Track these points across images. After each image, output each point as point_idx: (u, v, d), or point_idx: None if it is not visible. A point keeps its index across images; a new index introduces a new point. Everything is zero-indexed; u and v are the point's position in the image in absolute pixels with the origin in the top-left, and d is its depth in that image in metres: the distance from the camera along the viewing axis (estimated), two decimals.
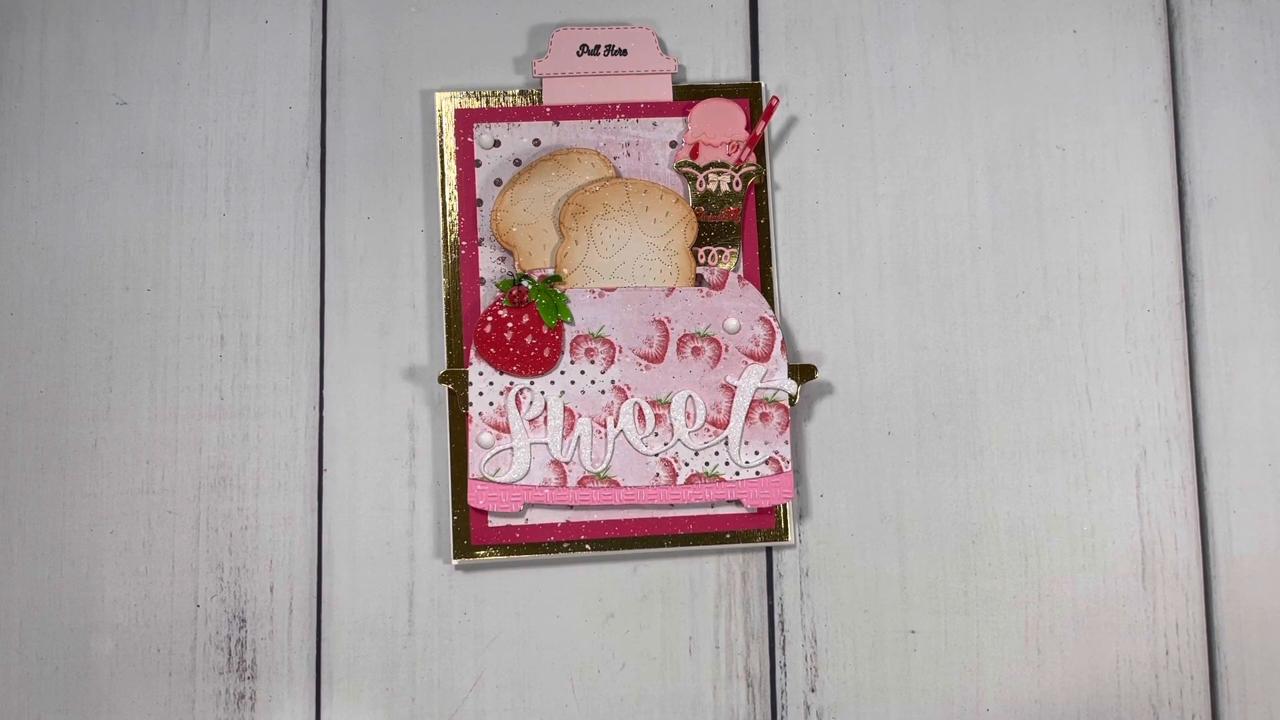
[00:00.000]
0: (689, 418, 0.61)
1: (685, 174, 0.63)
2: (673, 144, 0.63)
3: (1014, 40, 0.66)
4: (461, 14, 0.65)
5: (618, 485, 0.60)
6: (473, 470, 0.60)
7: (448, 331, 0.62)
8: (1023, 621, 0.62)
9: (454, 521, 0.60)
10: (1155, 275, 0.65)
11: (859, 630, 0.62)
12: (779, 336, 0.61)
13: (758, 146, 0.63)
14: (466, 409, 0.60)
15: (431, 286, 0.63)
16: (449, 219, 0.62)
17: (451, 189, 0.63)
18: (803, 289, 0.64)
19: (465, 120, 0.63)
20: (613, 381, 0.61)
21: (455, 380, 0.60)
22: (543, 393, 0.61)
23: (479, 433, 0.60)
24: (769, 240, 0.63)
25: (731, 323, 0.61)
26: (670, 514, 0.61)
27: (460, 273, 0.62)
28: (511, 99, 0.63)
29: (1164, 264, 0.65)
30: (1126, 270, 0.65)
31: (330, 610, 0.61)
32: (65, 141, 0.63)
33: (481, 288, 0.62)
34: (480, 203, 0.63)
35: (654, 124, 0.64)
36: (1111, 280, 0.65)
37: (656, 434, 0.61)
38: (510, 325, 0.61)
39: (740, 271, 0.63)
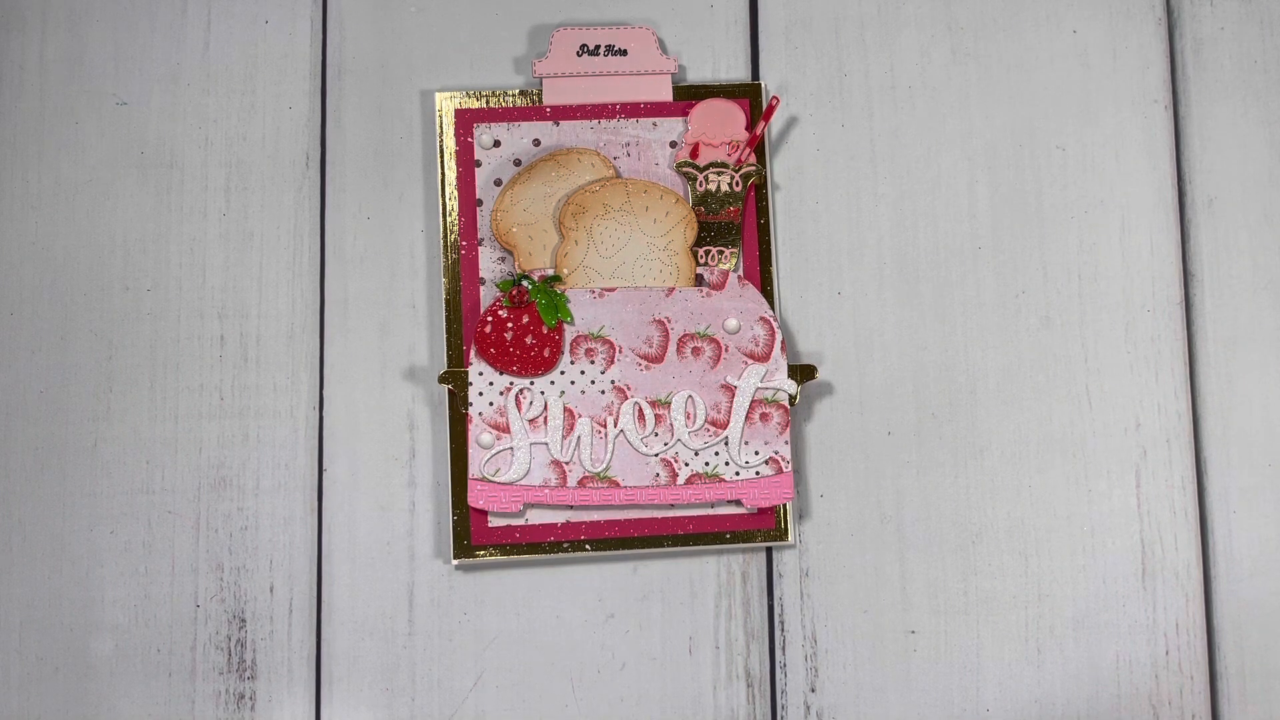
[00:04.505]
0: (689, 418, 0.61)
1: (685, 174, 0.63)
2: (673, 144, 0.63)
3: (1014, 40, 0.66)
4: (461, 14, 0.65)
5: (618, 485, 0.60)
6: (473, 470, 0.60)
7: (448, 331, 0.62)
8: (1023, 621, 0.62)
9: (454, 522, 0.60)
10: (1155, 275, 0.65)
11: (859, 630, 0.62)
12: (779, 336, 0.61)
13: (758, 146, 0.63)
14: (466, 409, 0.60)
15: (431, 286, 0.63)
16: (449, 219, 0.62)
17: (451, 189, 0.63)
18: (803, 289, 0.64)
19: (465, 120, 0.63)
20: (613, 381, 0.61)
21: (455, 380, 0.60)
22: (543, 393, 0.61)
23: (479, 433, 0.60)
24: (769, 240, 0.63)
25: (731, 323, 0.61)
26: (670, 514, 0.61)
27: (460, 273, 0.62)
28: (511, 99, 0.63)
29: (1164, 264, 0.65)
30: (1126, 270, 0.65)
31: (330, 610, 0.61)
32: (65, 141, 0.63)
33: (481, 288, 0.62)
34: (480, 203, 0.63)
35: (654, 124, 0.63)
36: (1111, 280, 0.65)
37: (656, 434, 0.61)
38: (510, 325, 0.61)
39: (740, 271, 0.63)
